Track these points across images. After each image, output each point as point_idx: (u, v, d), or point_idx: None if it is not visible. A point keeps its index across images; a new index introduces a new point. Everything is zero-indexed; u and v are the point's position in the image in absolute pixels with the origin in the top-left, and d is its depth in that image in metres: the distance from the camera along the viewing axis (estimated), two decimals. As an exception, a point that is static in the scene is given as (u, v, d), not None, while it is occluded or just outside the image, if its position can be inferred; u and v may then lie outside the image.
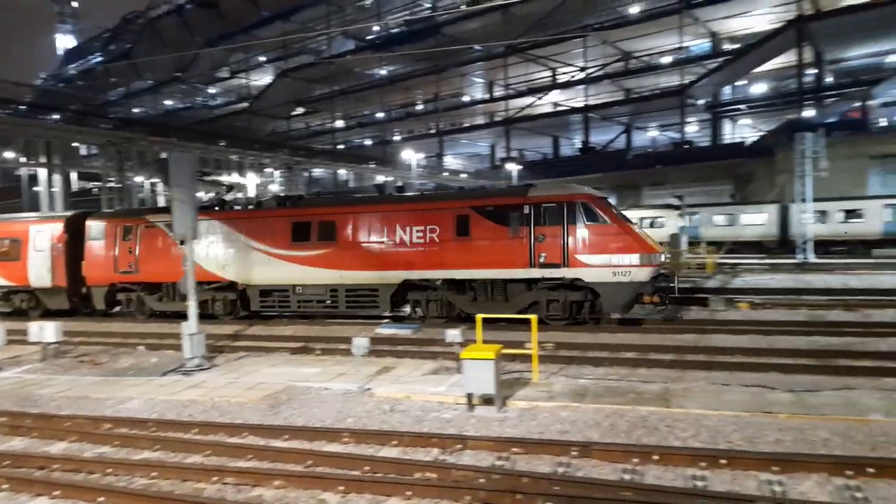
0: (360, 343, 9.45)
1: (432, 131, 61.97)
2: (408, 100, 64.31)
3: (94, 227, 18.29)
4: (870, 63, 45.27)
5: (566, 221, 13.81)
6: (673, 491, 5.48)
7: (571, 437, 7.03)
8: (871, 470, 5.67)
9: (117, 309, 18.76)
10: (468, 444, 6.87)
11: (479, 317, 9.99)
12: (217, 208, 17.71)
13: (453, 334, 9.91)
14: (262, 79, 68.50)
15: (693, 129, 54.32)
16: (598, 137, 54.79)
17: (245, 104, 66.94)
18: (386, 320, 16.23)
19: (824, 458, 5.92)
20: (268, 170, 40.81)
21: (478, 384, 8.14)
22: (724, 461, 6.04)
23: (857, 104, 41.20)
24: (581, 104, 52.54)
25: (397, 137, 64.04)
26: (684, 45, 48.20)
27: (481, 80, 60.49)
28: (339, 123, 66.76)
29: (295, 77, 61.51)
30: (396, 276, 15.27)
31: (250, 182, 37.86)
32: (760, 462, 5.95)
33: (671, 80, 50.02)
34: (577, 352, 11.65)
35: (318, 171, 54.32)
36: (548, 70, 56.52)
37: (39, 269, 18.69)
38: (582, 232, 13.73)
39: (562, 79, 55.96)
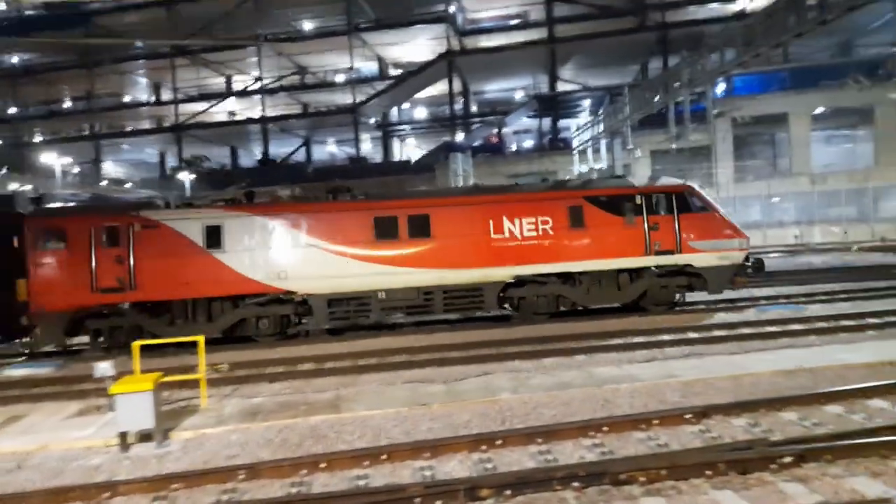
0: (-27, 391, 7.67)
1: (86, 134, 54.15)
2: (52, 96, 55.02)
3: (43, 228, 13.13)
4: (505, 97, 54.34)
5: (676, 210, 14.50)
6: (337, 495, 5.67)
7: (240, 461, 6.78)
8: (499, 441, 6.71)
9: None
10: (119, 489, 6.09)
11: (136, 345, 8.97)
12: (254, 201, 14.12)
13: (104, 367, 8.71)
14: None
15: (367, 145, 57.98)
16: (278, 149, 54.59)
17: None
18: (22, 358, 13.53)
19: (464, 438, 6.81)
20: None
21: (133, 420, 7.31)
22: (384, 456, 6.50)
23: (495, 131, 48.91)
24: (259, 115, 51.70)
25: (39, 139, 54.30)
26: (355, 65, 51.14)
27: (145, 80, 55.08)
28: (-49, 118, 53.81)
29: None
30: (506, 272, 14.16)
31: None
32: (414, 451, 6.56)
33: (345, 98, 52.54)
34: (253, 370, 11.34)
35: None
36: (222, 77, 54.24)
37: None
38: (692, 219, 14.52)
39: (237, 87, 54.31)
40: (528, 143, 52.89)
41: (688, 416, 7.28)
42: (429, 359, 11.04)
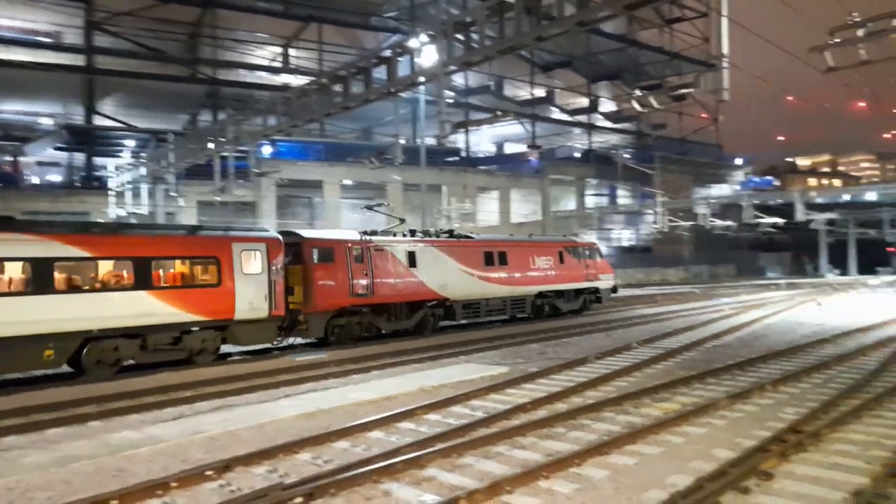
0: None
1: None
2: None
3: (320, 249, 16.77)
4: (27, 121, 45.82)
5: (592, 257, 25.10)
6: None
7: None
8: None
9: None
10: None
11: None
12: (429, 237, 20.20)
13: None
14: None
15: None
16: None
17: None
18: None
19: None
20: None
21: None
22: None
23: (11, 159, 40.76)
24: None
25: None
26: None
27: None
28: None
29: None
30: (535, 289, 22.64)
31: None
32: None
33: None
34: None
35: None
36: None
37: (254, 297, 14.94)
38: (598, 262, 25.39)
39: None
40: (56, 177, 45.67)
41: (209, 473, 7.09)
42: None
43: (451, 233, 21.66)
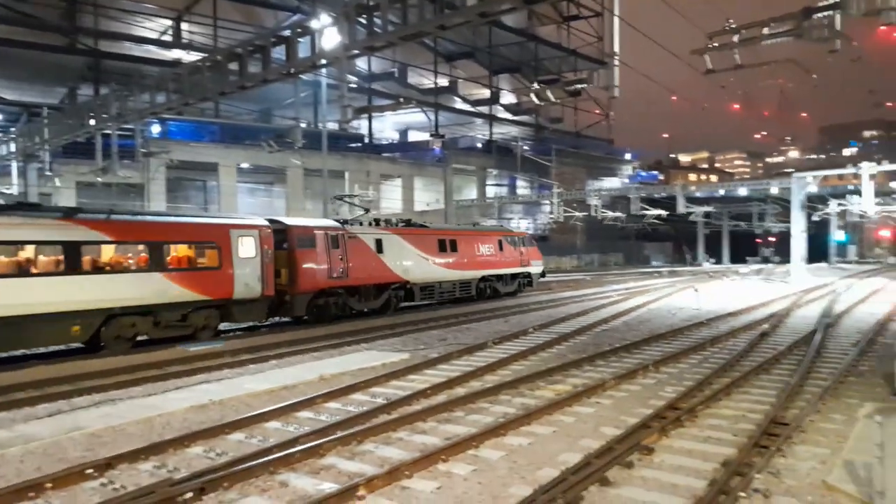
0: None
1: None
2: None
3: (304, 236, 18.41)
4: None
5: (525, 245, 28.47)
6: None
7: None
8: None
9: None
10: None
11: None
12: (391, 225, 22.19)
13: None
14: None
15: None
16: None
17: None
18: None
19: None
20: None
21: None
22: None
23: None
24: None
25: None
26: None
27: None
28: None
29: None
30: (480, 273, 25.20)
31: None
32: None
33: None
34: None
35: None
36: None
37: (249, 279, 16.49)
38: (530, 250, 28.61)
39: None
40: None
41: (89, 472, 6.66)
42: None
43: (408, 222, 23.81)
